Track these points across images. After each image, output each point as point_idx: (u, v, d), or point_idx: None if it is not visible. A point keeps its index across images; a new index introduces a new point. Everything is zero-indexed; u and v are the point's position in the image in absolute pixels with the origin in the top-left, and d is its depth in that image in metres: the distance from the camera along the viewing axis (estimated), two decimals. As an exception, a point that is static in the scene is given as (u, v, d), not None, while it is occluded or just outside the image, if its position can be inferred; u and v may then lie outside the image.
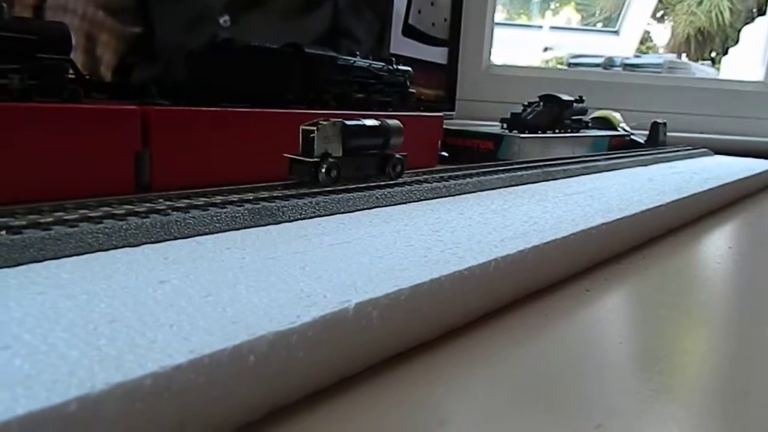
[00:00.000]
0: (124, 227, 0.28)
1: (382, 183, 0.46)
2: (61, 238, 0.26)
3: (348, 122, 0.43)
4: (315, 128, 0.41)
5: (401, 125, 0.47)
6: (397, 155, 0.47)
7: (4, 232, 0.25)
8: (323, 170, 0.41)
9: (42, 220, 0.27)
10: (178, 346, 0.18)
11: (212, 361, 0.18)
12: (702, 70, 2.10)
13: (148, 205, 0.32)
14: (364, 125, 0.44)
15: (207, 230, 0.31)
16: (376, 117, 0.47)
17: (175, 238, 0.30)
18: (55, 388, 0.15)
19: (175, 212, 0.31)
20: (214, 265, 0.26)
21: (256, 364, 0.19)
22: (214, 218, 0.32)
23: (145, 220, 0.30)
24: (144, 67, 0.69)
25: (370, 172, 0.46)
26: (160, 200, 0.33)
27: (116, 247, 0.28)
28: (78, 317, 0.20)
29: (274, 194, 0.38)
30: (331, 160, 0.41)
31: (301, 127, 0.42)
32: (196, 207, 0.33)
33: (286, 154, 0.43)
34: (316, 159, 0.41)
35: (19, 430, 0.14)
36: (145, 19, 0.69)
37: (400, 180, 0.49)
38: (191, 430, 0.18)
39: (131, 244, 0.28)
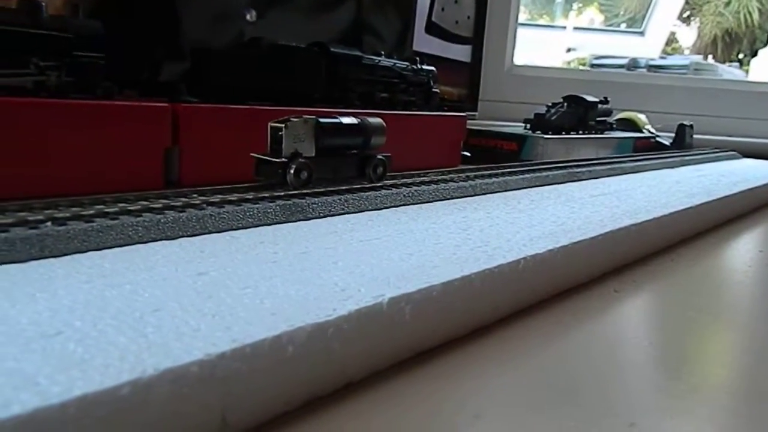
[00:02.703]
0: (162, 220, 0.29)
1: (409, 181, 0.47)
2: (103, 230, 0.27)
3: (322, 119, 0.39)
4: (283, 125, 0.38)
5: (383, 123, 0.43)
6: (380, 156, 0.43)
7: (49, 224, 0.26)
8: (292, 171, 0.37)
9: (84, 213, 0.28)
10: (221, 335, 0.19)
11: (254, 350, 0.18)
12: (729, 71, 2.07)
13: (183, 199, 0.33)
14: (340, 123, 0.41)
15: (240, 225, 0.32)
16: (355, 114, 0.43)
17: (210, 232, 0.31)
18: (108, 372, 0.16)
19: (209, 207, 0.32)
20: (249, 258, 0.27)
21: (294, 354, 0.20)
22: (247, 213, 0.33)
23: (181, 213, 0.30)
24: (173, 65, 0.70)
25: (348, 174, 0.42)
26: (195, 195, 0.34)
27: (154, 240, 0.28)
28: (124, 306, 0.20)
29: (304, 191, 0.38)
30: (302, 160, 0.38)
31: (270, 124, 0.39)
32: (230, 202, 0.34)
33: (252, 154, 0.39)
34: (283, 159, 0.37)
35: (76, 411, 0.15)
36: (174, 17, 0.70)
37: (426, 179, 0.49)
38: (233, 417, 0.18)
39: (169, 237, 0.29)
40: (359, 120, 0.42)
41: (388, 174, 0.45)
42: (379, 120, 0.43)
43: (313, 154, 0.39)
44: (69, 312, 0.20)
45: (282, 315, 0.21)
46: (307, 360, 0.20)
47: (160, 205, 0.31)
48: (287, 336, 0.19)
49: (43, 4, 0.49)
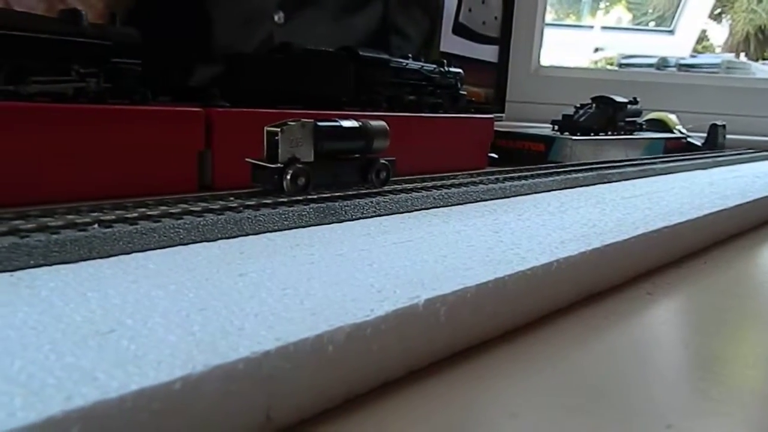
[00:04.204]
0: (201, 223, 0.30)
1: (439, 184, 0.47)
2: (146, 233, 0.28)
3: (320, 123, 0.37)
4: (279, 130, 0.36)
5: (386, 126, 0.41)
6: (383, 160, 0.42)
7: (96, 226, 0.27)
8: (288, 177, 0.36)
9: (128, 216, 0.29)
10: (266, 334, 0.19)
11: (297, 348, 0.19)
12: (762, 69, 2.02)
13: (221, 202, 0.34)
14: (340, 126, 0.39)
15: (276, 227, 0.33)
16: (357, 117, 0.41)
17: (247, 234, 0.32)
18: (161, 368, 0.17)
19: (246, 210, 0.33)
20: (286, 260, 0.28)
21: (334, 353, 0.20)
22: (283, 216, 0.34)
23: (220, 216, 0.31)
24: (206, 70, 0.71)
25: (349, 179, 0.40)
26: (232, 198, 0.35)
27: (195, 242, 0.29)
28: (171, 305, 0.21)
29: (336, 194, 0.39)
30: (299, 165, 0.36)
31: (265, 128, 0.37)
32: (266, 205, 0.34)
33: (248, 159, 0.38)
34: (279, 165, 0.36)
35: (133, 405, 0.15)
36: (206, 24, 0.72)
37: (456, 181, 0.49)
38: (276, 413, 0.19)
39: (208, 239, 0.30)
40: (360, 123, 0.40)
41: (392, 179, 0.43)
42: (381, 123, 0.41)
43: (312, 159, 0.37)
44: (120, 310, 0.21)
45: (322, 315, 0.21)
46: (346, 359, 0.21)
47: (199, 208, 0.32)
48: (328, 335, 0.20)
49: (83, 12, 0.50)
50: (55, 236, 0.26)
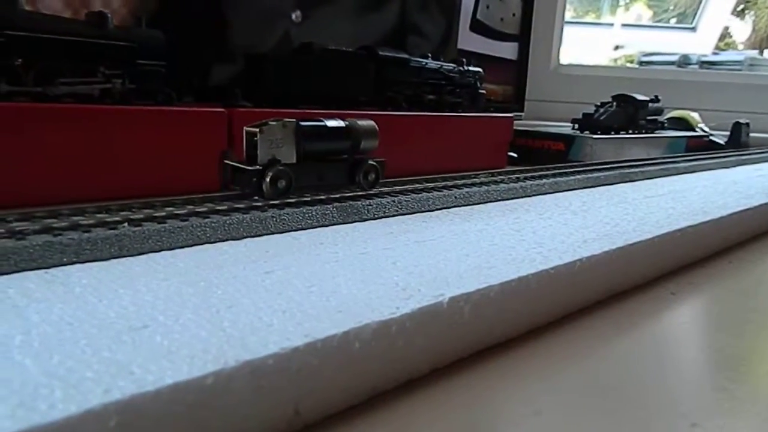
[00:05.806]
0: (227, 222, 0.31)
1: (460, 183, 0.47)
2: (174, 231, 0.28)
3: (303, 122, 0.36)
4: (258, 130, 0.34)
5: (375, 126, 0.39)
6: (371, 161, 0.39)
7: (126, 224, 0.28)
8: (267, 180, 0.34)
9: (157, 214, 0.30)
10: (294, 330, 0.20)
11: (324, 345, 0.19)
12: (787, 67, 1.98)
13: (246, 201, 0.34)
14: (325, 126, 0.37)
15: (300, 226, 0.33)
16: (343, 116, 0.39)
17: (272, 233, 0.32)
18: (194, 363, 0.17)
19: (271, 209, 0.33)
20: (311, 258, 0.28)
21: (360, 350, 0.21)
22: (306, 215, 0.34)
23: (245, 215, 0.32)
24: (228, 71, 0.72)
25: (336, 181, 0.38)
26: (256, 197, 0.35)
27: (221, 240, 0.30)
28: (201, 302, 0.22)
29: (359, 193, 0.39)
30: (280, 167, 0.34)
31: (245, 128, 0.35)
32: (290, 205, 0.35)
33: (226, 161, 0.36)
34: (258, 167, 0.34)
35: (168, 398, 0.16)
36: (228, 26, 0.73)
37: (477, 180, 0.49)
38: (304, 408, 0.19)
39: (234, 237, 0.30)
40: (347, 122, 0.38)
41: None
42: (370, 122, 0.39)
43: (294, 161, 0.35)
44: (152, 307, 0.21)
45: (348, 312, 0.21)
46: (372, 356, 0.21)
47: (225, 207, 0.32)
48: (354, 332, 0.20)
49: (109, 15, 0.51)
50: (86, 234, 0.27)
